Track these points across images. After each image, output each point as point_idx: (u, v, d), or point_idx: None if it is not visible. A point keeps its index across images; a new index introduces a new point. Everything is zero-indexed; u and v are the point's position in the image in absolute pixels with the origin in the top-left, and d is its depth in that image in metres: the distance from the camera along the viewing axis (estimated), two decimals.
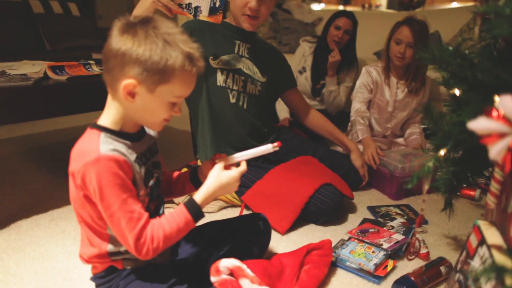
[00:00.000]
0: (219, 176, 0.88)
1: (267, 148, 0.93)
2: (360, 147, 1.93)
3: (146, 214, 0.78)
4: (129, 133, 0.83)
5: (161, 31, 0.75)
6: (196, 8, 1.26)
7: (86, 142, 0.78)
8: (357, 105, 1.96)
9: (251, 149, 0.94)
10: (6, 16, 2.56)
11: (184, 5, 1.25)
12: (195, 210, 0.83)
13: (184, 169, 1.67)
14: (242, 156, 0.93)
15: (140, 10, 1.25)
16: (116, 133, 0.80)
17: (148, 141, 0.90)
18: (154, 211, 0.91)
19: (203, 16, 1.28)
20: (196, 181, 0.99)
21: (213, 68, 1.48)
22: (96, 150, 0.74)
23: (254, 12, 1.42)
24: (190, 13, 1.27)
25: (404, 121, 2.03)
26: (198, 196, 0.85)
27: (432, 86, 2.06)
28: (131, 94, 0.76)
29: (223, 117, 1.53)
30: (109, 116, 0.81)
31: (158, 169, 0.93)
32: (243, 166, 0.92)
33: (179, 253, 1.00)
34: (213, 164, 0.92)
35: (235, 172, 0.89)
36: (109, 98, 0.82)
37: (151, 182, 0.87)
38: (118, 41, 0.74)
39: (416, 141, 1.93)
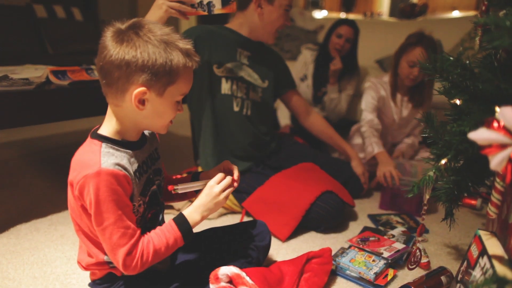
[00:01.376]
0: (210, 190, 0.87)
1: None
2: (361, 154, 1.94)
3: (138, 231, 0.78)
4: (131, 142, 0.83)
5: (158, 33, 0.75)
6: (209, 3, 1.24)
7: (87, 153, 0.78)
8: (369, 116, 1.88)
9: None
10: (10, 20, 2.57)
11: (196, 5, 1.24)
12: (185, 228, 0.83)
13: (184, 175, 1.67)
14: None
15: (155, 16, 1.24)
16: (118, 143, 0.80)
17: (149, 148, 0.90)
18: (152, 219, 0.90)
19: (217, 9, 1.25)
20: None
21: (217, 76, 1.49)
22: (97, 162, 0.74)
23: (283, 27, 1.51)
24: (204, 11, 1.25)
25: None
26: (187, 211, 0.85)
27: (433, 96, 2.05)
28: (141, 102, 0.77)
29: (226, 125, 1.53)
30: (110, 125, 0.81)
31: (160, 176, 0.93)
32: (228, 181, 0.90)
33: (178, 260, 1.00)
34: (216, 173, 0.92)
35: (222, 186, 0.88)
36: (110, 110, 0.81)
37: (151, 190, 0.87)
38: (118, 51, 0.73)
39: (399, 151, 1.92)
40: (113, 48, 0.73)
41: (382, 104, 1.92)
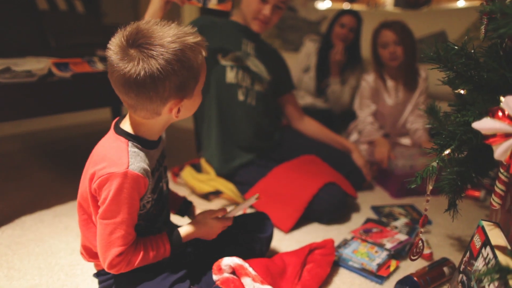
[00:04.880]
0: (205, 221, 0.92)
1: (250, 201, 1.01)
2: (363, 147, 1.94)
3: (135, 236, 0.81)
4: (151, 141, 0.84)
5: (168, 39, 0.72)
6: None
7: (113, 149, 0.78)
8: (363, 114, 1.98)
9: (239, 205, 1.01)
10: (11, 13, 2.57)
11: None
12: (177, 244, 0.87)
13: (187, 166, 1.68)
14: (233, 211, 0.99)
15: (152, 8, 1.24)
16: (142, 142, 0.81)
17: (161, 146, 0.92)
18: (156, 215, 0.92)
19: (213, 4, 1.26)
20: (183, 212, 1.05)
21: (222, 65, 1.49)
22: (125, 163, 0.75)
23: (267, 19, 1.48)
24: (199, 2, 1.26)
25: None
26: (182, 231, 0.89)
27: (437, 87, 2.04)
28: (178, 111, 0.79)
29: (230, 116, 1.53)
30: (137, 124, 0.81)
31: (166, 173, 0.95)
32: (229, 222, 0.97)
33: (181, 252, 1.00)
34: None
35: (220, 223, 0.94)
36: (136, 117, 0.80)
37: (159, 187, 0.89)
38: (142, 65, 0.70)
39: (423, 138, 1.92)
40: (128, 63, 0.70)
41: (376, 95, 1.96)
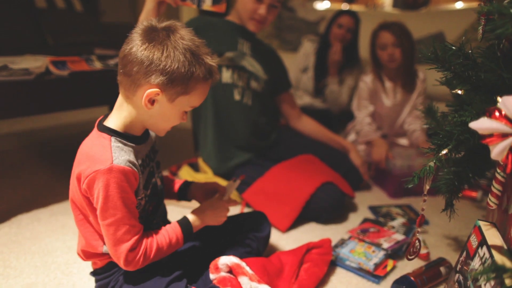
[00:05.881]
0: (210, 203, 0.95)
1: (233, 185, 1.05)
2: (361, 147, 1.94)
3: (142, 228, 0.81)
4: (136, 136, 0.83)
5: (188, 43, 0.76)
6: None
7: (96, 147, 0.78)
8: (361, 115, 1.98)
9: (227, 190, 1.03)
10: (9, 11, 2.56)
11: None
12: (188, 230, 0.88)
13: (185, 166, 1.67)
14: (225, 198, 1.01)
15: (146, 8, 1.24)
16: (125, 137, 0.80)
17: (151, 142, 0.91)
18: (153, 212, 0.92)
19: (207, 6, 1.26)
20: (183, 195, 1.04)
21: (218, 65, 1.48)
22: (108, 158, 0.75)
23: (263, 19, 1.49)
24: (194, 3, 1.26)
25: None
26: (191, 217, 0.90)
27: (435, 88, 2.04)
28: (151, 102, 0.77)
29: (226, 115, 1.53)
30: (119, 118, 0.81)
31: (160, 169, 0.95)
32: (232, 203, 1.00)
33: (178, 251, 1.00)
34: (204, 189, 1.01)
35: (225, 203, 0.96)
36: (121, 99, 0.82)
37: (152, 182, 0.88)
38: (145, 48, 0.74)
39: (421, 139, 1.93)
40: (141, 43, 0.74)
41: (374, 96, 1.96)
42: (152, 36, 0.75)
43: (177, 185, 1.05)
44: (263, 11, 1.46)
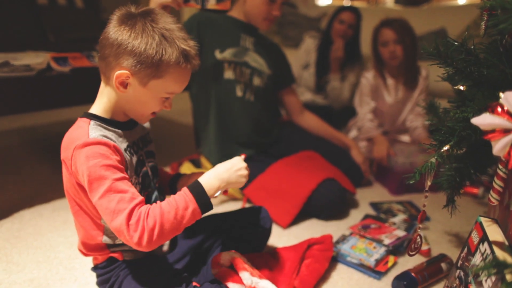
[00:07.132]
0: (227, 162, 0.83)
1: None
2: (362, 144, 1.94)
3: (141, 197, 0.74)
4: (120, 122, 0.84)
5: (160, 26, 0.76)
6: None
7: (75, 130, 0.79)
8: (363, 111, 1.98)
9: None
10: (10, 7, 2.56)
11: None
12: (199, 192, 0.77)
13: (186, 162, 1.67)
14: None
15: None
16: (107, 121, 0.80)
17: (141, 131, 0.91)
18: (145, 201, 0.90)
19: (211, 5, 1.26)
20: (174, 188, 0.98)
21: (219, 61, 1.48)
22: (85, 135, 0.75)
23: (277, 18, 1.53)
24: (198, 4, 1.26)
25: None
26: (204, 178, 0.80)
27: (437, 84, 2.04)
28: (123, 85, 0.77)
29: (228, 111, 1.53)
30: (100, 104, 0.82)
31: (152, 158, 0.93)
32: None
33: (179, 245, 1.00)
34: (192, 180, 0.89)
35: (242, 161, 0.85)
36: (102, 85, 0.83)
37: (143, 171, 0.88)
38: (116, 31, 0.75)
39: (422, 135, 1.92)
40: (113, 26, 0.76)
41: (376, 92, 1.96)
42: (125, 20, 0.76)
43: (168, 178, 1.02)
44: (278, 12, 1.49)
